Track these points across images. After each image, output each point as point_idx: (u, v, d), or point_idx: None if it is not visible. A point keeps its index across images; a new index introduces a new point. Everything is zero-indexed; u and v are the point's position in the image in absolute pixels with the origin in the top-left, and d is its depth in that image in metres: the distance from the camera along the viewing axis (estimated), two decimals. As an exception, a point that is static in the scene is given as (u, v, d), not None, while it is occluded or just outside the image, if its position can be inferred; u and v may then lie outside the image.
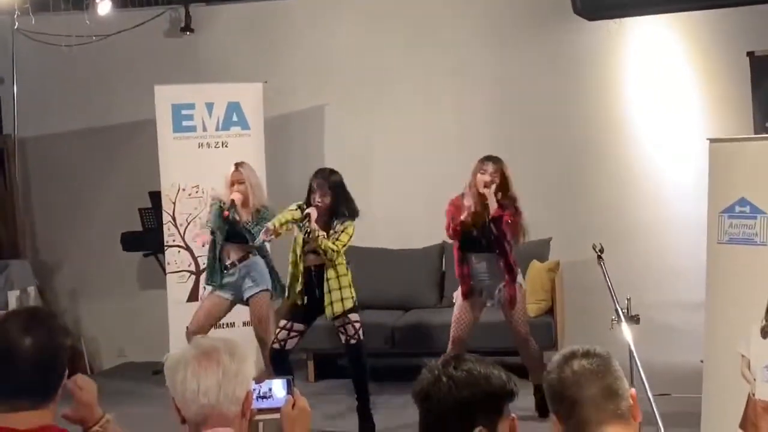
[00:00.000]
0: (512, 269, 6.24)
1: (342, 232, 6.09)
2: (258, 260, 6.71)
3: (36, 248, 9.06)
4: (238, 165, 6.68)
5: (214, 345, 2.41)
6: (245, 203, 6.57)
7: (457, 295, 6.34)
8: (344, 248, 6.11)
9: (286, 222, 6.12)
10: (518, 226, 6.16)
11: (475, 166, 6.18)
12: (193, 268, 7.81)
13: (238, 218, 6.53)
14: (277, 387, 2.57)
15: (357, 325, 6.19)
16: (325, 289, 6.11)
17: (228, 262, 6.67)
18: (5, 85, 9.03)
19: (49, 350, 2.41)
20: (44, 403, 2.41)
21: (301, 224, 6.07)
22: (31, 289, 8.43)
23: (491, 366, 2.28)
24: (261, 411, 2.56)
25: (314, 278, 6.16)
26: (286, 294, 6.39)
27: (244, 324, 7.78)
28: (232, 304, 6.80)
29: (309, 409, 2.62)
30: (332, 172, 6.23)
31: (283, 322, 6.26)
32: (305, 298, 6.18)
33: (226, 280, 6.69)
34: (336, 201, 6.11)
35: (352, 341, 6.19)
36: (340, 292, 6.13)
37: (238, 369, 2.38)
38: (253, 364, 2.45)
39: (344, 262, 6.20)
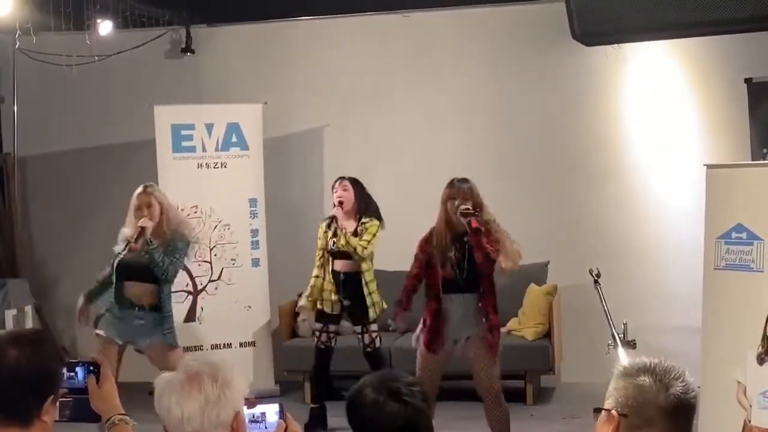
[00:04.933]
0: (495, 312, 5.61)
1: (366, 230, 6.48)
2: (163, 307, 5.96)
3: (34, 267, 9.05)
4: (145, 187, 6.00)
5: (197, 370, 2.41)
6: (157, 231, 5.84)
7: (418, 340, 5.71)
8: (370, 246, 6.47)
9: (309, 295, 6.71)
10: (498, 245, 5.50)
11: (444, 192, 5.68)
12: (191, 288, 7.80)
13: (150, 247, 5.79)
14: (270, 412, 2.56)
15: (374, 334, 6.68)
16: (365, 292, 6.58)
17: (129, 305, 5.92)
18: (6, 104, 9.05)
19: (33, 369, 2.35)
20: (22, 422, 2.33)
21: (327, 229, 6.53)
22: (29, 308, 8.41)
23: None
24: None
25: (342, 283, 6.56)
26: (304, 303, 6.79)
27: (241, 345, 7.80)
28: (124, 348, 6.03)
29: (302, 434, 2.61)
30: (353, 178, 6.73)
31: (318, 326, 6.75)
32: (337, 304, 6.65)
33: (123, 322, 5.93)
34: (358, 197, 6.55)
35: (369, 349, 6.68)
36: (371, 297, 6.62)
37: (219, 393, 2.38)
38: (241, 386, 2.44)
39: (372, 267, 6.63)
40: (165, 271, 5.84)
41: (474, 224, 5.44)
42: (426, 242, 5.68)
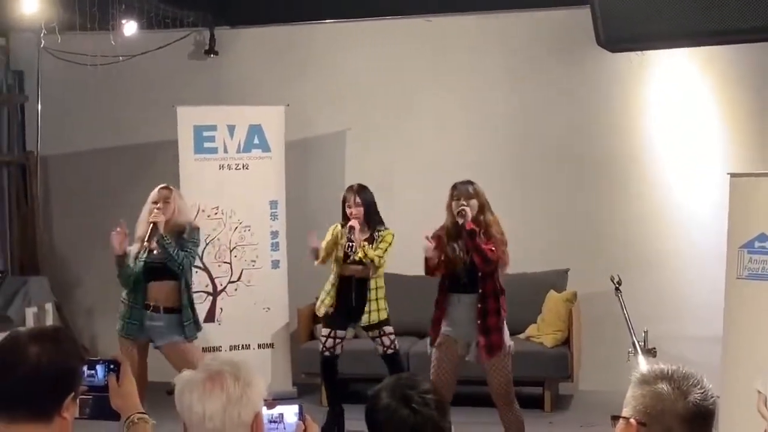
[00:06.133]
0: (496, 314, 5.57)
1: (381, 240, 6.54)
2: (183, 303, 6.06)
3: (55, 265, 9.09)
4: (167, 185, 6.18)
5: (220, 369, 2.42)
6: (170, 227, 5.98)
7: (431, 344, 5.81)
8: (386, 255, 6.53)
9: (329, 245, 6.59)
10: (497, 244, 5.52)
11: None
12: (210, 289, 7.83)
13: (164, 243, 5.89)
14: (289, 413, 2.56)
15: (392, 336, 6.69)
16: (367, 297, 6.59)
17: (153, 305, 6.03)
18: (30, 103, 9.11)
19: (53, 365, 2.35)
20: (43, 418, 2.34)
21: (345, 238, 6.51)
22: (49, 306, 8.46)
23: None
24: None
25: (354, 287, 6.60)
26: (319, 307, 6.79)
27: (260, 346, 7.81)
28: (147, 345, 6.18)
29: (320, 435, 2.61)
30: (361, 185, 6.69)
31: (325, 331, 6.75)
32: (343, 305, 6.64)
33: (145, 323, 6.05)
34: (367, 210, 6.57)
35: (389, 351, 6.69)
36: (377, 303, 6.62)
37: (242, 393, 2.38)
38: (263, 387, 2.45)
39: (383, 274, 6.67)
40: (180, 263, 5.96)
41: (468, 226, 5.47)
42: (437, 237, 5.71)
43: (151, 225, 5.89)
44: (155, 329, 6.06)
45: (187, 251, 6.00)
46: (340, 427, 6.75)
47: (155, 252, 5.96)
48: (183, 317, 6.05)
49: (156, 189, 6.10)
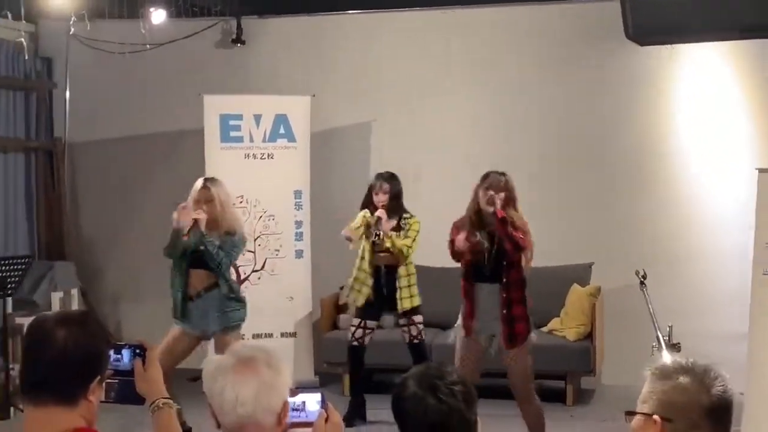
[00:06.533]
0: (521, 303, 5.57)
1: (409, 228, 6.58)
2: (222, 291, 6.12)
3: (81, 252, 9.15)
4: (207, 181, 6.15)
5: (252, 355, 2.42)
6: (213, 225, 6.03)
7: (459, 329, 5.79)
8: (414, 244, 6.56)
9: (360, 226, 6.62)
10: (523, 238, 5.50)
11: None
12: (234, 278, 7.84)
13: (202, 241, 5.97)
14: (311, 401, 2.57)
15: (420, 326, 6.72)
16: (397, 285, 6.61)
17: (193, 293, 6.12)
18: (58, 90, 9.16)
19: (80, 349, 2.35)
20: (69, 401, 2.35)
21: (372, 228, 6.55)
22: (75, 292, 8.52)
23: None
24: (293, 425, 2.55)
25: (384, 276, 6.65)
26: (348, 295, 6.94)
27: (282, 335, 7.84)
28: (198, 340, 6.25)
29: (342, 423, 2.62)
30: (391, 174, 6.77)
31: (356, 321, 6.80)
32: (374, 295, 6.68)
33: (191, 312, 6.13)
34: (392, 199, 6.60)
35: (415, 341, 6.71)
36: (409, 290, 6.66)
37: (275, 380, 2.39)
38: (289, 375, 2.46)
39: (413, 261, 6.71)
40: (219, 263, 6.02)
41: (500, 214, 5.44)
42: (456, 228, 5.70)
43: (193, 221, 5.94)
44: (197, 317, 6.11)
45: (228, 252, 6.06)
46: (362, 416, 6.78)
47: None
48: (224, 307, 6.10)
49: (199, 184, 6.08)
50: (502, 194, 5.54)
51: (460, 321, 5.79)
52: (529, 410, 5.67)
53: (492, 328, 5.61)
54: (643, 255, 7.41)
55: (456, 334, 5.83)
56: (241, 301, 6.21)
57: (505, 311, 5.53)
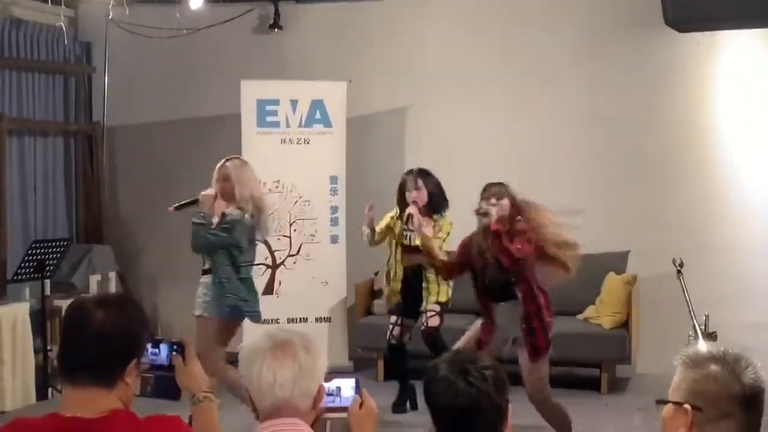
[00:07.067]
0: (537, 316, 5.35)
1: (439, 230, 6.44)
2: (215, 279, 5.91)
3: (119, 235, 9.24)
4: (227, 160, 6.03)
5: (289, 339, 2.44)
6: (231, 201, 5.88)
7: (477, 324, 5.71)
8: (444, 245, 6.33)
9: (384, 229, 6.62)
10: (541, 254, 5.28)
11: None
12: (269, 261, 7.90)
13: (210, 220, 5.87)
14: (345, 386, 2.59)
15: (437, 319, 6.51)
16: (425, 282, 6.52)
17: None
18: (97, 74, 9.24)
19: (118, 330, 2.38)
20: (106, 383, 2.37)
21: (404, 227, 6.49)
22: (112, 275, 8.61)
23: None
24: (328, 410, 2.57)
25: (416, 274, 6.55)
26: (386, 293, 6.86)
27: (317, 320, 7.88)
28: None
29: (376, 409, 2.63)
30: (422, 169, 6.62)
31: (393, 318, 6.71)
32: (407, 292, 6.60)
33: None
34: (432, 196, 6.49)
35: (430, 330, 6.50)
36: (437, 286, 6.52)
37: (313, 364, 2.41)
38: (325, 359, 2.48)
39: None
40: (193, 239, 5.88)
41: (493, 227, 5.28)
42: (464, 246, 5.57)
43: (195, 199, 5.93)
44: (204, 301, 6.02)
45: (215, 234, 5.81)
46: (413, 402, 6.68)
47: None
48: (218, 292, 5.92)
49: (219, 164, 6.03)
50: (505, 201, 5.38)
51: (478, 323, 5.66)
52: (547, 411, 5.48)
53: (506, 333, 5.45)
54: (680, 244, 7.34)
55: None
56: (230, 291, 5.91)
57: (524, 326, 5.35)
